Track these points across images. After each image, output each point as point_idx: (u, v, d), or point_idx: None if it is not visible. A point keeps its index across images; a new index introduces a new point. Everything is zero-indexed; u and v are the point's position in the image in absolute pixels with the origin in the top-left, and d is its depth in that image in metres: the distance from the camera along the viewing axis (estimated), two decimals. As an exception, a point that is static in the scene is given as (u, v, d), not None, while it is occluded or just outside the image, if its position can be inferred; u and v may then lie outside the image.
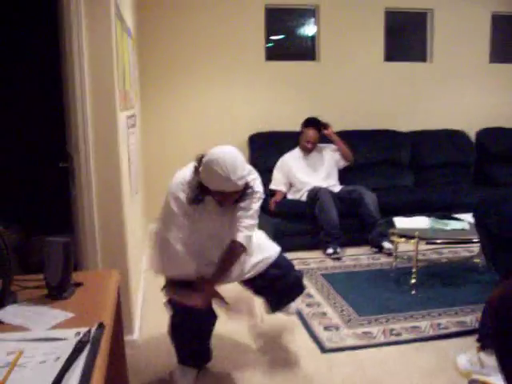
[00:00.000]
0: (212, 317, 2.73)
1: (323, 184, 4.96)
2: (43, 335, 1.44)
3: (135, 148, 3.87)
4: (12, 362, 1.25)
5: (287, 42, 6.13)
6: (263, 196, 2.64)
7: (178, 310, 2.63)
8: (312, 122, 5.14)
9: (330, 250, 4.62)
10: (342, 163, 5.20)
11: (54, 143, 3.71)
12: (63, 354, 1.28)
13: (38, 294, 1.77)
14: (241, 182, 2.35)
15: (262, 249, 2.77)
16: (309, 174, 5.10)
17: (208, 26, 5.50)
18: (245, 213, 2.54)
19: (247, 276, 2.70)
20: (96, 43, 2.75)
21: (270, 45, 5.87)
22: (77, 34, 2.70)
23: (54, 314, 1.61)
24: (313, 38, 5.90)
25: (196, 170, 2.47)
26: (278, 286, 2.75)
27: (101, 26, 2.75)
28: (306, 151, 5.17)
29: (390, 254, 4.56)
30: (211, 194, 2.42)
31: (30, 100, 4.55)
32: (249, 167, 2.53)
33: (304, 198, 4.97)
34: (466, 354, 2.72)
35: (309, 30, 5.96)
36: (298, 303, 3.36)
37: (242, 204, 2.53)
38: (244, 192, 2.46)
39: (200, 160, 2.46)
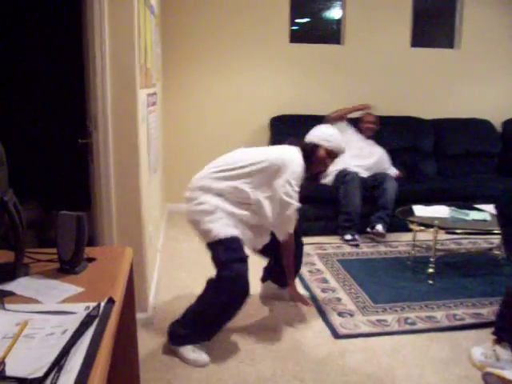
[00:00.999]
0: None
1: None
2: (53, 308, 1.44)
3: (155, 126, 3.86)
4: (17, 332, 1.25)
5: (313, 25, 6.04)
6: None
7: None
8: None
9: (349, 237, 4.58)
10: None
11: (75, 119, 3.73)
12: (71, 327, 1.28)
13: (50, 267, 1.77)
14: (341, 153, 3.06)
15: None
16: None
17: (233, 6, 5.44)
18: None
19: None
20: (117, 18, 2.73)
21: (295, 28, 5.79)
22: (98, 9, 2.69)
23: (65, 287, 1.61)
24: (339, 21, 5.81)
25: (307, 147, 2.99)
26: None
27: (122, 0, 2.72)
28: (366, 134, 5.16)
29: (378, 237, 4.61)
30: (322, 161, 3.00)
31: (51, 75, 4.55)
32: None
33: (330, 182, 4.93)
34: (481, 347, 2.69)
35: (335, 13, 5.86)
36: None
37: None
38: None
39: (302, 142, 3.05)
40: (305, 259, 4.13)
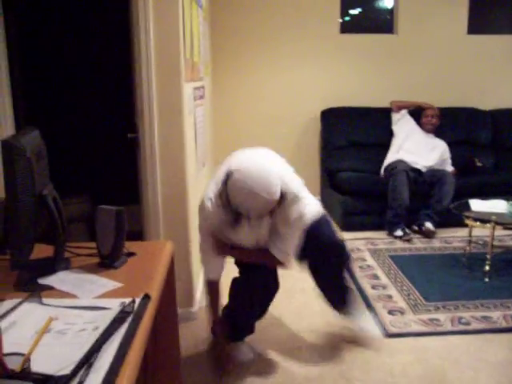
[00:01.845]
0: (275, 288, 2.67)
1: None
2: (88, 303, 1.43)
3: (203, 120, 3.84)
4: (41, 328, 1.24)
5: (365, 16, 5.89)
6: (300, 197, 2.30)
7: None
8: None
9: (400, 233, 4.44)
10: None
11: (126, 113, 3.76)
12: (103, 324, 1.26)
13: (90, 261, 1.77)
14: (275, 197, 2.09)
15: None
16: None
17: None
18: (289, 237, 2.37)
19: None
20: (162, 12, 2.72)
21: (347, 19, 5.66)
22: (143, 3, 2.68)
23: (103, 282, 1.60)
24: (391, 10, 5.63)
25: (224, 193, 2.19)
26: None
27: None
28: (427, 128, 5.02)
29: (428, 236, 4.44)
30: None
31: (102, 69, 4.61)
32: (278, 172, 2.18)
33: (381, 174, 4.82)
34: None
35: (387, 2, 5.69)
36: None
37: (281, 216, 2.28)
38: (280, 201, 2.17)
39: (226, 181, 2.17)
40: (355, 255, 4.06)
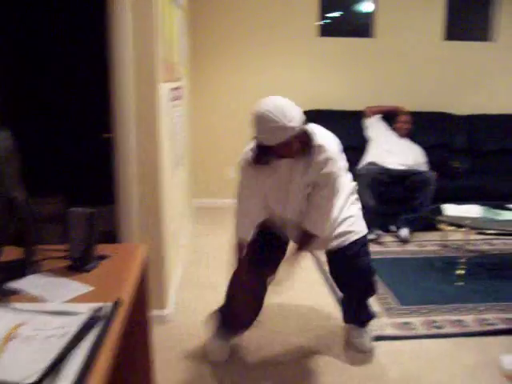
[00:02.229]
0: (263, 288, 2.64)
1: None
2: (57, 308, 1.40)
3: (180, 121, 3.81)
4: (5, 335, 1.20)
5: (344, 19, 5.91)
6: (339, 159, 2.34)
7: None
8: None
9: (372, 236, 4.43)
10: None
11: (101, 113, 3.71)
12: (72, 330, 1.23)
13: (61, 264, 1.73)
14: (294, 124, 2.09)
15: (351, 223, 2.56)
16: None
17: (262, 1, 5.36)
18: (319, 194, 2.34)
19: (330, 246, 2.55)
20: (138, 12, 2.70)
21: (327, 21, 5.69)
22: (119, 2, 2.65)
23: (73, 286, 1.57)
24: (370, 14, 5.67)
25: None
26: (348, 282, 2.64)
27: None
28: (400, 133, 5.04)
29: (403, 242, 4.47)
30: (271, 152, 2.22)
31: (77, 69, 4.55)
32: (299, 110, 2.16)
33: None
34: (512, 354, 2.56)
35: (367, 6, 5.72)
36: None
37: (306, 172, 2.29)
38: (306, 143, 2.22)
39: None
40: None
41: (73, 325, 1.26)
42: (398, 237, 4.54)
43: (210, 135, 5.58)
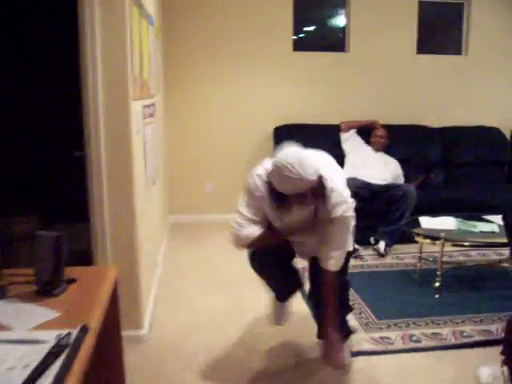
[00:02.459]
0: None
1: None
2: (21, 336, 1.36)
3: (153, 138, 3.78)
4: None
5: (319, 33, 5.96)
6: (351, 203, 2.44)
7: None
8: None
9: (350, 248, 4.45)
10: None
11: (75, 131, 3.67)
12: (34, 361, 1.19)
13: (28, 289, 1.69)
14: (313, 177, 2.19)
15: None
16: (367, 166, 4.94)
17: (235, 15, 5.38)
18: (335, 235, 2.44)
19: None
20: (109, 30, 2.67)
21: (302, 35, 5.73)
22: (90, 21, 2.63)
23: (40, 312, 1.53)
24: (344, 29, 5.72)
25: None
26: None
27: (114, 11, 2.66)
28: (375, 147, 5.07)
29: (381, 256, 4.48)
30: (286, 197, 2.29)
31: (52, 85, 4.50)
32: (316, 161, 2.27)
33: None
34: (489, 367, 2.56)
35: (340, 20, 5.77)
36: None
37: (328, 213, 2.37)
38: (321, 190, 2.30)
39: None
40: (307, 273, 4.04)
41: (36, 355, 1.22)
42: (376, 250, 4.55)
43: (187, 151, 5.55)
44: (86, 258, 2.95)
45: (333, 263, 2.47)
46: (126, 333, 2.90)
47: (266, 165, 2.41)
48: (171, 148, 5.47)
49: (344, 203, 2.38)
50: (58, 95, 4.40)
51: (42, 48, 4.43)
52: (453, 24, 5.95)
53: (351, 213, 2.47)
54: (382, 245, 4.54)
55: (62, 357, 1.24)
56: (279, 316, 3.03)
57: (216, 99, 5.51)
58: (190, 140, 5.54)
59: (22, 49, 4.47)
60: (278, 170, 2.20)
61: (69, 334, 1.33)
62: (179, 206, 5.60)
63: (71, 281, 1.76)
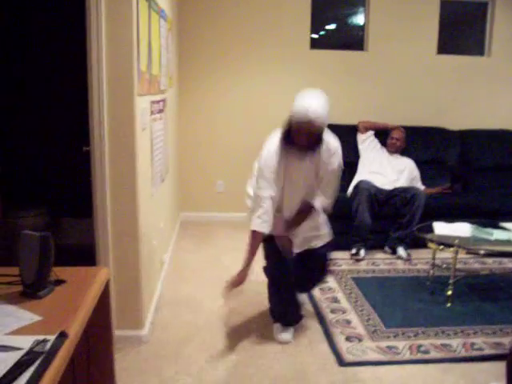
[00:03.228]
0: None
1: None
2: (-4, 342, 1.29)
3: (162, 134, 3.72)
4: None
5: (338, 31, 5.83)
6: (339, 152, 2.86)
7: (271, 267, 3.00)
8: None
9: (354, 250, 4.40)
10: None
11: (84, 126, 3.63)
12: (3, 370, 1.12)
13: (13, 290, 1.63)
14: (314, 116, 2.56)
15: (324, 227, 3.08)
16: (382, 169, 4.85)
17: (251, 13, 5.29)
18: (328, 178, 2.86)
19: (306, 246, 3.01)
20: (115, 23, 2.62)
21: (323, 33, 5.62)
22: (95, 15, 2.57)
23: (20, 315, 1.46)
24: (363, 27, 5.59)
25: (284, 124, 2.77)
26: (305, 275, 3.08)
27: (121, 4, 2.60)
28: (391, 150, 4.96)
29: (407, 261, 4.39)
30: (293, 137, 2.68)
31: (62, 81, 4.46)
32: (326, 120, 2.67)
33: (349, 194, 4.72)
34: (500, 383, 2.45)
35: (361, 19, 5.64)
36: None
37: (324, 161, 2.79)
38: (318, 140, 2.68)
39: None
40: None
41: (5, 363, 1.16)
42: (400, 258, 4.45)
43: (199, 148, 5.49)
44: (91, 253, 2.90)
45: (328, 197, 2.94)
46: (125, 333, 2.90)
47: (274, 138, 2.86)
48: (183, 144, 5.40)
49: (338, 155, 2.85)
50: (69, 89, 4.35)
51: (57, 40, 4.39)
52: (475, 24, 5.79)
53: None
54: (402, 251, 4.46)
55: (34, 366, 1.17)
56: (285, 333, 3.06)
57: (230, 96, 5.43)
58: (202, 137, 5.47)
59: (35, 40, 4.43)
60: (306, 94, 2.69)
61: (44, 341, 1.26)
62: (190, 204, 5.54)
63: (59, 282, 1.69)
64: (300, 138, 2.65)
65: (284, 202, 2.90)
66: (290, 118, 2.71)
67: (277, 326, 3.08)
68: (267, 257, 3.01)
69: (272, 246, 2.93)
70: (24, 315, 1.47)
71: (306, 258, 3.01)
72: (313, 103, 2.60)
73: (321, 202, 2.91)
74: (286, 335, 3.02)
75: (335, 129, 5.18)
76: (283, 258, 2.92)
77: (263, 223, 2.72)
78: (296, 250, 2.99)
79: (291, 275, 2.95)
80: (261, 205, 2.72)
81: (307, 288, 3.35)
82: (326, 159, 2.78)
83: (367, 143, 5.03)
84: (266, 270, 3.03)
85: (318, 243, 3.03)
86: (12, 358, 1.19)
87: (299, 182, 2.85)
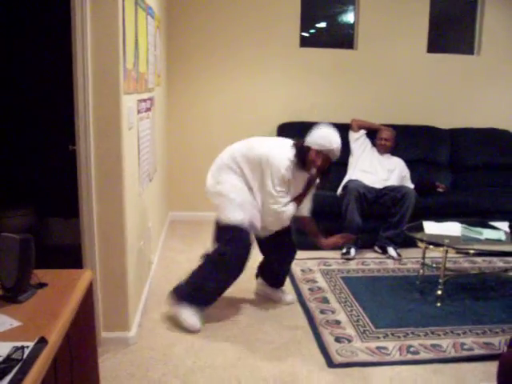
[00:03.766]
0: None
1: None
2: (-28, 349, 1.25)
3: (149, 133, 3.67)
4: None
5: (330, 30, 5.81)
6: None
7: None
8: None
9: (344, 250, 4.39)
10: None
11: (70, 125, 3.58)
12: (-22, 379, 1.09)
13: (-7, 293, 1.59)
14: (338, 146, 3.08)
15: None
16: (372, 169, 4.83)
17: (240, 10, 5.25)
18: (310, 195, 3.32)
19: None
20: (99, 19, 2.56)
21: (313, 31, 5.60)
22: (80, 12, 2.52)
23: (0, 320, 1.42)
24: (353, 25, 5.57)
25: (299, 147, 3.10)
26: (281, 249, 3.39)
27: (106, 2, 2.55)
28: (380, 150, 4.93)
29: (397, 260, 4.38)
30: (312, 161, 3.05)
31: (47, 79, 4.40)
32: None
33: (338, 193, 4.70)
34: (489, 384, 2.44)
35: (351, 17, 5.62)
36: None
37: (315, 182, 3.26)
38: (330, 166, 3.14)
39: (299, 142, 3.15)
40: (306, 276, 3.95)
41: (-19, 371, 1.12)
42: (390, 257, 4.43)
43: (187, 147, 5.44)
44: (79, 254, 2.85)
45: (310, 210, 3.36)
46: (112, 334, 2.86)
47: (286, 148, 3.13)
48: (172, 143, 5.36)
49: None
50: (56, 87, 4.29)
51: (43, 37, 4.33)
52: (465, 22, 5.78)
53: None
54: (392, 251, 4.45)
55: (11, 374, 1.13)
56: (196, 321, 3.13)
57: (219, 94, 5.39)
58: (191, 135, 5.43)
59: (21, 38, 4.37)
60: (335, 136, 3.08)
61: (22, 348, 1.23)
62: (179, 203, 5.50)
63: (41, 285, 1.65)
64: (316, 162, 3.05)
65: None
66: (309, 143, 3.08)
67: (188, 308, 3.11)
68: (229, 241, 3.07)
69: (241, 231, 3.05)
70: (3, 320, 1.43)
71: (272, 238, 3.28)
72: (337, 140, 3.07)
73: (307, 209, 3.35)
74: (198, 324, 3.10)
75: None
76: (249, 244, 3.10)
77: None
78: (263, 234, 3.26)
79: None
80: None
81: (284, 270, 3.53)
82: (314, 177, 3.22)
83: (360, 142, 5.00)
84: (224, 253, 3.07)
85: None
86: (-12, 365, 1.15)
87: (295, 194, 3.20)
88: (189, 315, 3.09)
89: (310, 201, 3.35)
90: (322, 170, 3.11)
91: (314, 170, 3.12)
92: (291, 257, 3.46)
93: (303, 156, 3.05)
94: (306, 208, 3.32)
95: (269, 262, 3.50)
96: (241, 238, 3.04)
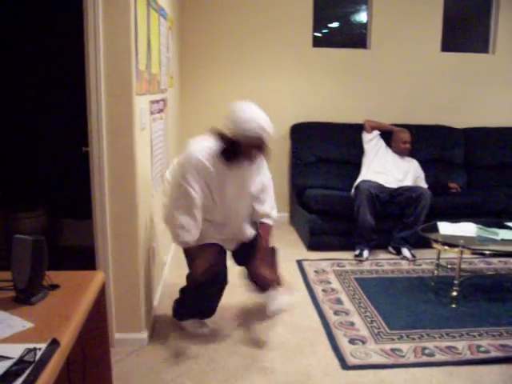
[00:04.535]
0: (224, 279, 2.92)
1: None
2: (-16, 351, 1.25)
3: (162, 135, 3.67)
4: None
5: (343, 30, 5.78)
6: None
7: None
8: None
9: (357, 251, 4.35)
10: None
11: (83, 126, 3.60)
12: (-9, 381, 1.08)
13: (6, 295, 1.59)
14: (270, 131, 2.64)
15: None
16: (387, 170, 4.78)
17: (253, 10, 5.23)
18: (265, 191, 2.95)
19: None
20: (112, 21, 2.56)
21: (326, 31, 5.57)
22: (92, 14, 2.52)
23: (11, 322, 1.42)
24: (367, 25, 5.53)
25: (220, 135, 2.72)
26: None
27: (118, 3, 2.55)
28: (402, 153, 4.87)
29: (411, 261, 4.33)
30: (242, 151, 2.65)
31: (62, 82, 4.42)
32: None
33: (352, 194, 4.66)
34: (505, 387, 2.40)
35: (363, 17, 5.59)
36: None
37: (258, 172, 2.88)
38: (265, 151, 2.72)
39: (217, 130, 2.76)
40: (320, 277, 3.93)
41: (-5, 373, 1.12)
42: (405, 258, 4.39)
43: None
44: (92, 255, 2.86)
45: (275, 213, 3.02)
46: (125, 336, 2.86)
47: (204, 143, 2.79)
48: (185, 145, 5.35)
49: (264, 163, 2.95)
50: (68, 88, 4.31)
51: (57, 39, 4.35)
52: (479, 21, 5.72)
53: None
54: (406, 252, 4.41)
55: (23, 376, 1.13)
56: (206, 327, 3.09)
57: (232, 95, 5.35)
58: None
59: (34, 39, 4.39)
60: (254, 113, 2.67)
61: (35, 350, 1.22)
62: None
63: (53, 287, 1.65)
64: (249, 152, 2.68)
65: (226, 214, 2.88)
66: (234, 134, 2.64)
67: (191, 322, 3.07)
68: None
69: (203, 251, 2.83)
70: (15, 322, 1.43)
71: (242, 248, 3.00)
72: (263, 118, 2.66)
73: (270, 208, 3.00)
74: (207, 328, 3.08)
75: (338, 128, 5.22)
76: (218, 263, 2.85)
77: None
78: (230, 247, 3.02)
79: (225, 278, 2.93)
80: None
81: (265, 278, 2.95)
82: (256, 169, 2.87)
83: (374, 143, 4.96)
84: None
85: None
86: (1, 367, 1.15)
87: (234, 194, 2.82)
88: (195, 327, 3.07)
89: (271, 198, 3.00)
90: (256, 157, 2.74)
91: (251, 161, 2.76)
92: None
93: (234, 149, 2.66)
94: (266, 207, 2.98)
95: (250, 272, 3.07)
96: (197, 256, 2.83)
